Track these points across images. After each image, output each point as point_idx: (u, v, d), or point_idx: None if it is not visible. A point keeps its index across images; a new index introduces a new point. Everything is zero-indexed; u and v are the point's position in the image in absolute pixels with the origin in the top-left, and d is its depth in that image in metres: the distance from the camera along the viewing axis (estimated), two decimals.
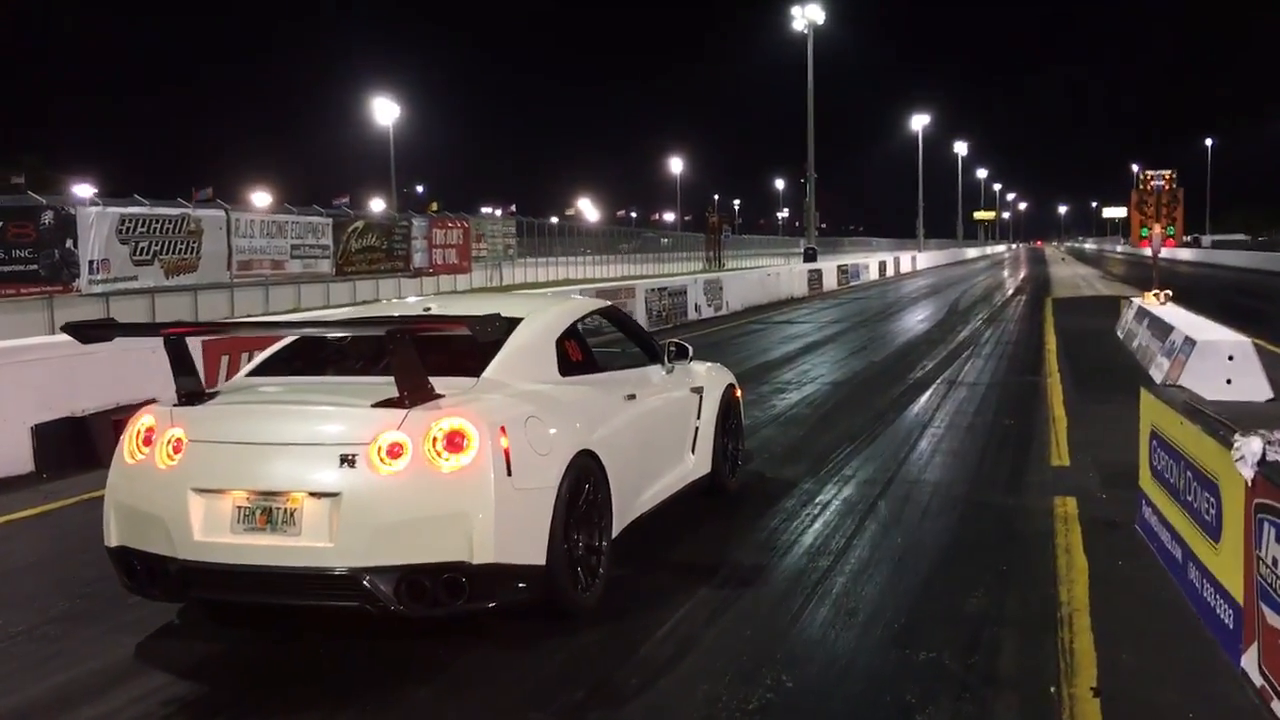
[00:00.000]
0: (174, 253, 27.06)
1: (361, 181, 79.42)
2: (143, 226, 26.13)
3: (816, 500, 7.60)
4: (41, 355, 9.35)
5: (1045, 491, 7.76)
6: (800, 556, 6.30)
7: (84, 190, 53.13)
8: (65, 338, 5.47)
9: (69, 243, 23.92)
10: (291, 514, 4.68)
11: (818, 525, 6.96)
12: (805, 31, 53.45)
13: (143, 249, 26.06)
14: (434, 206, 58.14)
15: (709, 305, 27.43)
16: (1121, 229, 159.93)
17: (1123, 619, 5.21)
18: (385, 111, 57.78)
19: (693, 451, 7.11)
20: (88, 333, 5.30)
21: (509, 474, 4.75)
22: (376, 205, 59.45)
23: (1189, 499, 5.48)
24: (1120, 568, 6.01)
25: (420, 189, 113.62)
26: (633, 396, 6.19)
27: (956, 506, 7.45)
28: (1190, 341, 12.14)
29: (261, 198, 52.54)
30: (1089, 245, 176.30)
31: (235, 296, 29.07)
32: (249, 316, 24.70)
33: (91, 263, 24.55)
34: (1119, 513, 7.01)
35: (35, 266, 23.06)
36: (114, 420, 8.40)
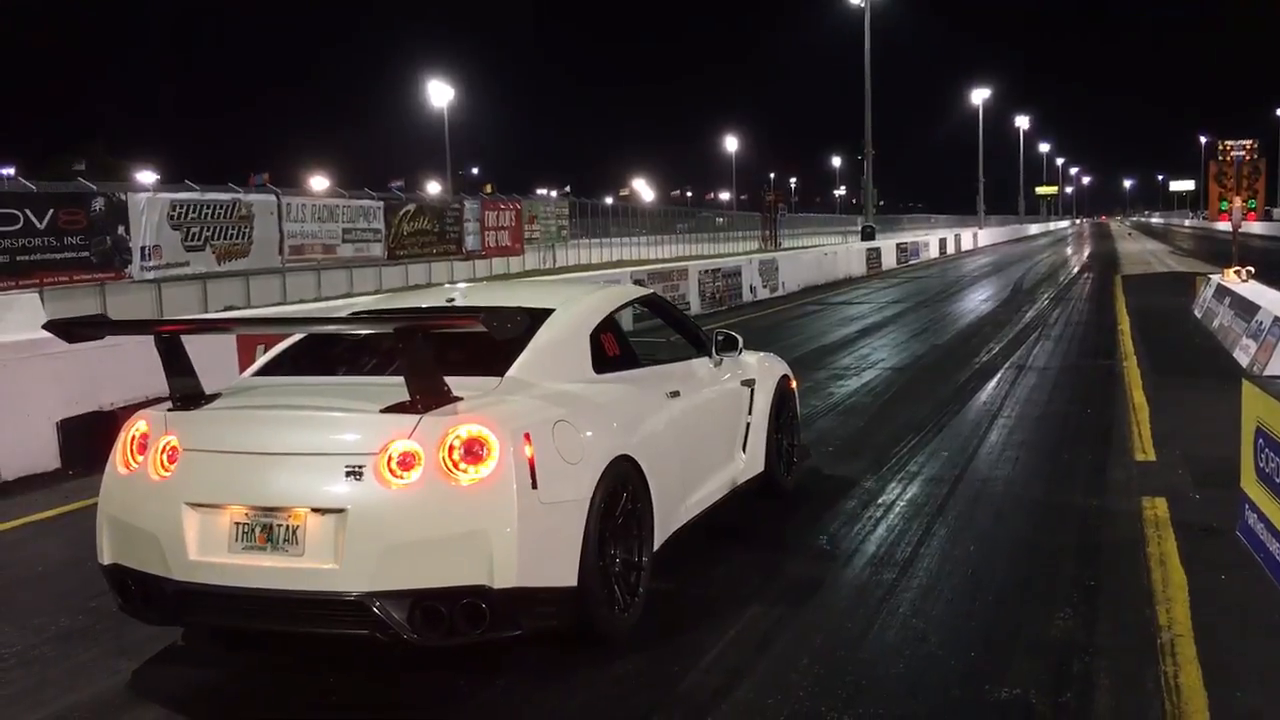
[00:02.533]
0: (225, 238, 26.94)
1: (419, 164, 79.53)
2: (194, 212, 26.03)
3: (879, 501, 7.02)
4: (67, 347, 8.99)
5: (1131, 491, 7.10)
6: (862, 568, 5.72)
7: (146, 177, 53.69)
8: None
9: (120, 229, 23.87)
10: (294, 532, 4.21)
11: (880, 530, 6.38)
12: (861, 4, 52.27)
13: (194, 235, 25.97)
14: (488, 188, 57.92)
15: (764, 286, 26.75)
16: (1190, 202, 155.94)
17: (1233, 647, 4.58)
18: (440, 94, 57.55)
19: (744, 450, 6.56)
20: (74, 332, 4.88)
21: (534, 486, 4.23)
22: (433, 188, 59.35)
23: None
24: (1224, 583, 5.36)
25: (475, 171, 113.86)
26: (676, 393, 5.64)
27: (1033, 509, 6.82)
28: None
29: (319, 182, 52.56)
30: (1155, 219, 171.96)
31: (287, 281, 28.93)
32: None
33: (143, 249, 24.49)
34: (1216, 516, 6.35)
35: (87, 253, 23.01)
36: None
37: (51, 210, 22.20)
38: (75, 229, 22.65)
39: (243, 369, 9.89)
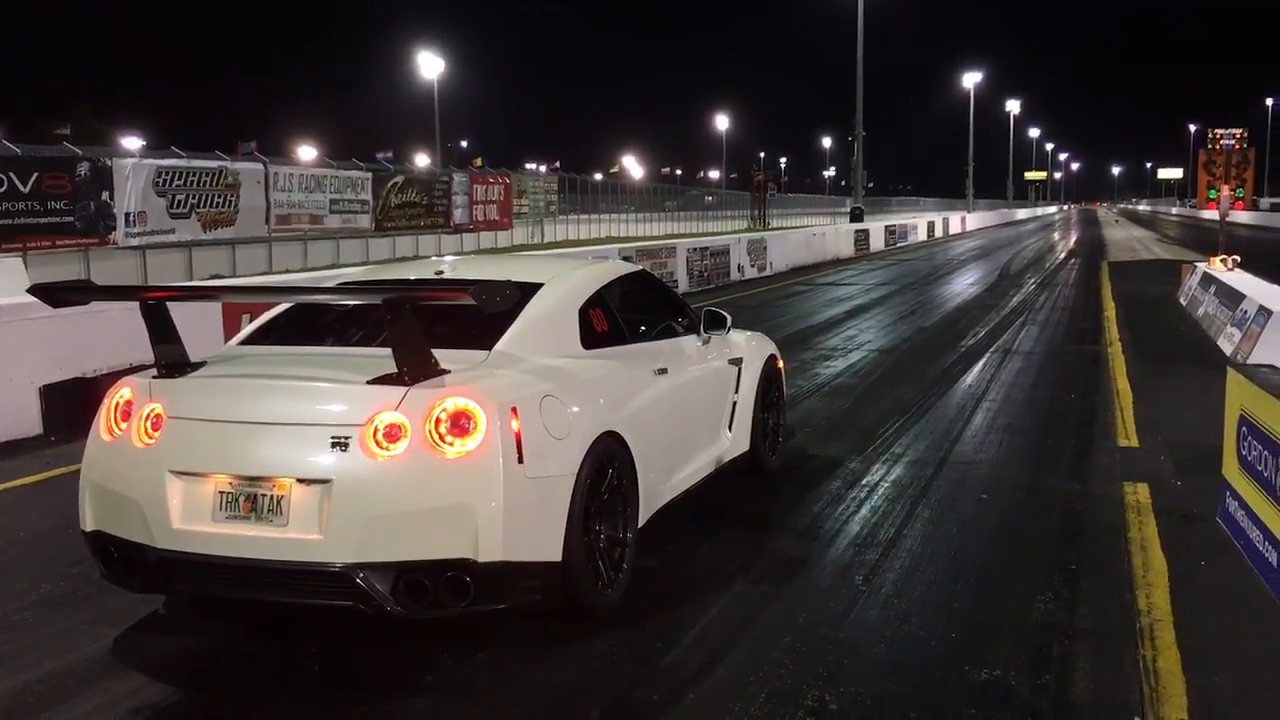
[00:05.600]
0: (211, 206, 26.72)
1: (407, 136, 79.09)
2: (180, 179, 25.79)
3: (863, 482, 7.04)
4: (50, 312, 8.91)
5: (1113, 476, 7.14)
6: (845, 548, 5.75)
7: (132, 143, 53.14)
8: None
9: (105, 195, 23.65)
10: (278, 502, 4.19)
11: (864, 511, 6.40)
12: None
13: (180, 202, 25.74)
14: (477, 162, 57.64)
15: (752, 266, 26.73)
16: (1177, 190, 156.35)
17: (1212, 633, 4.62)
18: (430, 66, 57.07)
19: (730, 428, 6.56)
20: (60, 296, 4.84)
21: (520, 461, 4.23)
22: (421, 160, 58.98)
23: None
24: (1203, 569, 5.40)
25: (465, 144, 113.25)
26: (664, 370, 5.64)
27: (1016, 492, 6.85)
28: (1265, 312, 11.37)
29: (307, 152, 52.17)
30: (1143, 207, 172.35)
31: (273, 251, 28.75)
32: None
33: (128, 215, 24.26)
34: (1197, 503, 6.39)
35: (71, 218, 22.80)
36: None
37: (36, 174, 21.95)
38: (59, 193, 22.43)
39: (228, 338, 9.84)
